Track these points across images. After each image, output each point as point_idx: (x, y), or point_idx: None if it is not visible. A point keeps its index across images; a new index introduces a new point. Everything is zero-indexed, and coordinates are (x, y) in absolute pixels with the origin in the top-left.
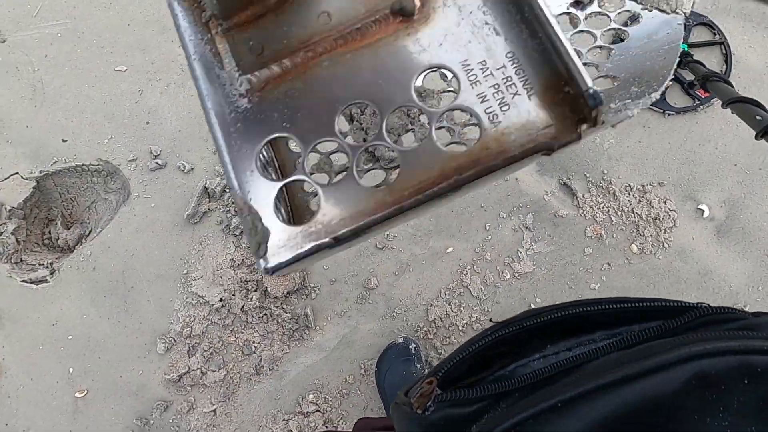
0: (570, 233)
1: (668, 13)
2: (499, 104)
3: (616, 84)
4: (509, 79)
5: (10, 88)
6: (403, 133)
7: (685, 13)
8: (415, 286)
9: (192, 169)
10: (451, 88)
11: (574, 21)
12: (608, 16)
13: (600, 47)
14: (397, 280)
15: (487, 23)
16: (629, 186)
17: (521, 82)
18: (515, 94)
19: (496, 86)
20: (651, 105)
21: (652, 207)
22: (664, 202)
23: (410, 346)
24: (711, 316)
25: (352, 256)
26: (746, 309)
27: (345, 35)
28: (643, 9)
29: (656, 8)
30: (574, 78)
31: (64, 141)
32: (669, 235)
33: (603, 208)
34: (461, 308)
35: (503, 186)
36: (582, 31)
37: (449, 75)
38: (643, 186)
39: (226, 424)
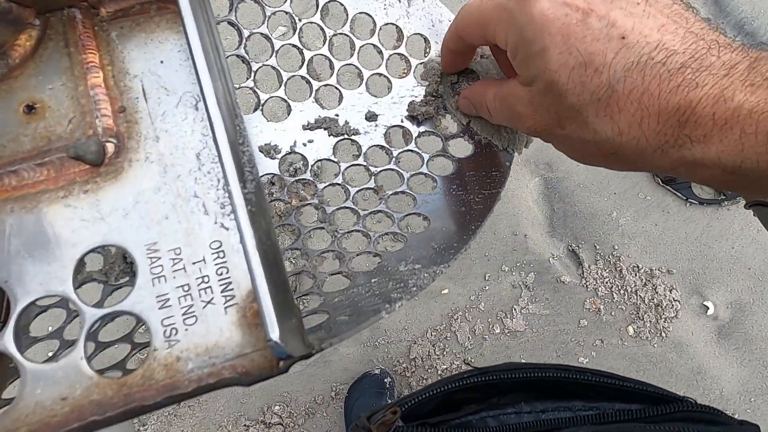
0: (569, 301)
1: (499, 150)
2: (184, 315)
3: (425, 227)
4: (206, 279)
5: None
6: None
7: (517, 152)
8: (403, 320)
9: None
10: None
11: (406, 136)
12: (441, 139)
13: (425, 174)
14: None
15: (196, 195)
16: (637, 267)
17: (221, 286)
18: (208, 302)
19: (186, 288)
20: (673, 189)
21: (657, 293)
22: (670, 291)
23: (385, 380)
24: (695, 413)
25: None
26: (735, 416)
27: None
28: (476, 138)
29: (489, 139)
30: (261, 318)
31: None
32: (669, 324)
33: (607, 283)
34: (444, 352)
35: (511, 239)
36: (411, 150)
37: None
38: (651, 270)
39: (188, 417)
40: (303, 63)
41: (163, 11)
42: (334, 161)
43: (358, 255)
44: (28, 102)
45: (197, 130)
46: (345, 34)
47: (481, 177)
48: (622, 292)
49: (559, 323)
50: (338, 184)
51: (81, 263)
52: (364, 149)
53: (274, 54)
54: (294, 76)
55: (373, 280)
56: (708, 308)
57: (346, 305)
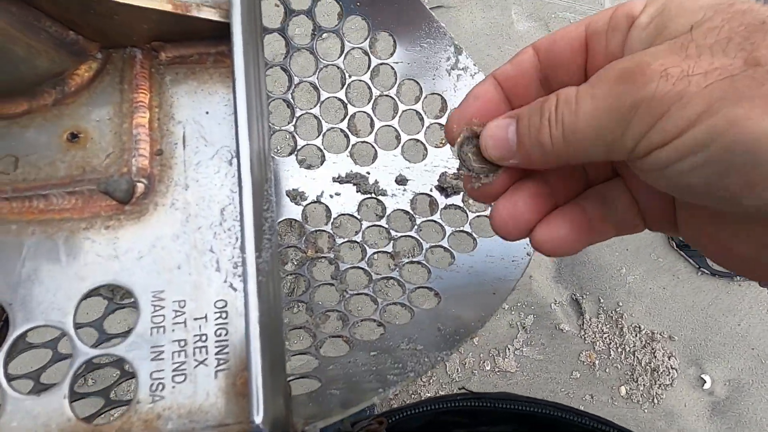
0: (564, 350)
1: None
2: (174, 371)
3: (435, 305)
4: (204, 338)
5: None
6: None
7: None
8: None
9: None
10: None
11: (432, 206)
12: (467, 215)
13: (444, 248)
14: None
15: (212, 251)
16: (639, 327)
17: (217, 348)
18: (201, 362)
19: (183, 344)
20: (687, 256)
21: (655, 357)
22: (668, 357)
23: None
24: None
25: None
26: None
27: (23, 197)
28: None
29: None
30: (249, 395)
31: None
32: (662, 392)
33: (606, 338)
34: (431, 380)
35: None
36: (434, 221)
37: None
38: (652, 332)
39: None
40: (345, 117)
41: (219, 64)
42: (357, 218)
43: (362, 321)
44: (73, 130)
45: (227, 185)
46: (390, 97)
47: (500, 262)
48: (619, 350)
49: (552, 371)
50: (356, 242)
51: (86, 297)
52: (388, 211)
53: (319, 104)
54: (334, 128)
55: (372, 353)
56: (705, 382)
57: (341, 377)
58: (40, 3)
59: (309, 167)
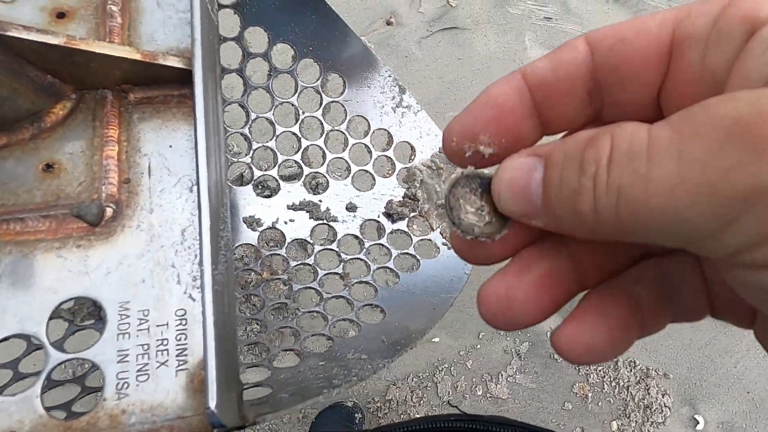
0: (557, 380)
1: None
2: (138, 371)
3: (380, 320)
4: (165, 342)
5: None
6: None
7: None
8: None
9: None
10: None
11: (379, 231)
12: (411, 238)
13: (390, 269)
14: None
15: (173, 266)
16: (634, 363)
17: (177, 350)
18: (163, 363)
19: (146, 347)
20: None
21: (649, 394)
22: (662, 395)
23: (356, 414)
24: None
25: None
26: None
27: (2, 220)
28: (443, 244)
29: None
30: (205, 383)
31: None
32: (654, 429)
33: (600, 372)
34: (422, 401)
35: None
36: (381, 244)
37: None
38: (647, 369)
39: None
40: (299, 150)
41: (182, 105)
42: (309, 242)
43: (313, 335)
44: (49, 161)
45: (187, 209)
46: (341, 131)
47: (440, 281)
48: (613, 384)
49: (543, 400)
50: (309, 264)
51: (57, 308)
52: (339, 236)
53: (275, 137)
54: (288, 159)
55: (320, 363)
56: (698, 422)
57: (291, 383)
58: (25, 53)
59: (265, 196)
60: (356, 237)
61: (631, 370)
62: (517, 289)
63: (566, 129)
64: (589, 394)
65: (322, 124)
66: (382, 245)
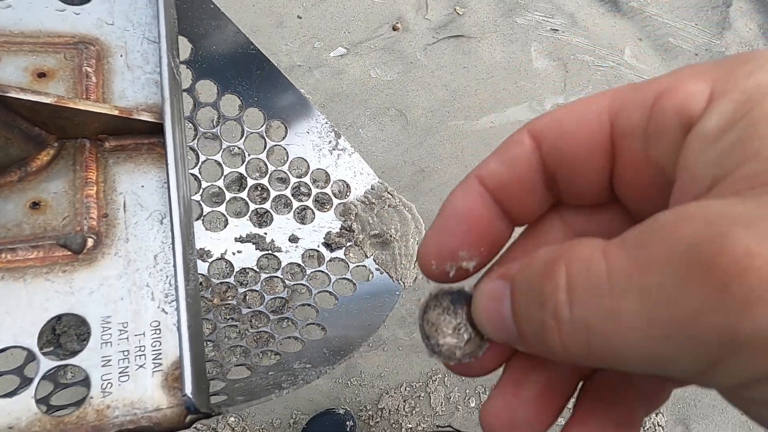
0: None
1: (392, 280)
2: (120, 373)
3: (322, 335)
4: (142, 348)
5: None
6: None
7: (405, 285)
8: (381, 367)
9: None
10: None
11: (320, 259)
12: (348, 265)
13: (329, 293)
14: (368, 351)
15: (148, 286)
16: None
17: (153, 355)
18: (141, 366)
19: (126, 353)
20: None
21: None
22: (656, 414)
23: (348, 422)
24: None
25: None
26: None
27: None
28: (376, 269)
29: (386, 272)
30: (181, 374)
31: None
32: None
33: None
34: (414, 411)
35: None
36: (321, 271)
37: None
38: None
39: None
40: (245, 188)
41: (151, 151)
42: (256, 270)
43: (262, 351)
44: (35, 200)
45: (158, 238)
46: (283, 171)
47: (375, 300)
48: None
49: None
50: (256, 291)
51: (47, 325)
52: (283, 264)
53: (223, 177)
54: (236, 197)
55: (270, 373)
56: None
57: (244, 390)
58: (19, 109)
59: (214, 230)
60: (299, 265)
61: None
62: (518, 409)
63: (534, 218)
64: None
65: (266, 164)
66: (322, 272)
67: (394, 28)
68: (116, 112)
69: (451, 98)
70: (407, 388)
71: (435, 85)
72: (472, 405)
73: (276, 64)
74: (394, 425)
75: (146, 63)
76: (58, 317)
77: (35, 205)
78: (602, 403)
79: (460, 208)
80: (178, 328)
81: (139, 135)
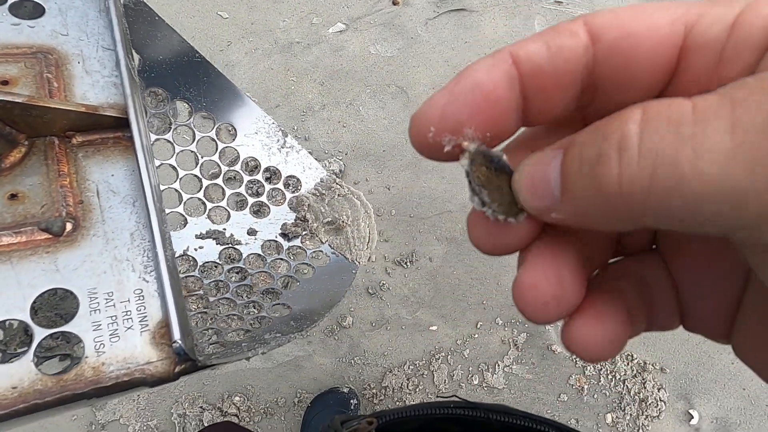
0: (554, 372)
1: (348, 261)
2: (110, 335)
3: (288, 312)
4: (129, 313)
5: None
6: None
7: (360, 264)
8: (384, 346)
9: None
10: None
11: (278, 248)
12: (305, 252)
13: (291, 276)
14: (371, 330)
15: (127, 259)
16: (631, 356)
17: (139, 318)
18: (129, 327)
19: (114, 318)
20: None
21: (645, 387)
22: (658, 389)
23: (351, 400)
24: None
25: None
26: None
27: None
28: (332, 253)
29: (342, 254)
30: (168, 327)
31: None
32: (648, 423)
33: (597, 364)
34: (417, 389)
35: (511, 294)
36: (281, 258)
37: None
38: (645, 363)
39: None
40: (201, 188)
41: (117, 144)
42: (219, 263)
43: (233, 331)
44: (12, 192)
45: (132, 219)
46: (236, 170)
47: (332, 280)
48: (609, 377)
49: (539, 391)
50: (221, 281)
51: (36, 299)
52: (244, 255)
53: (178, 179)
54: (192, 197)
55: (243, 344)
56: (692, 417)
57: (220, 356)
58: None
59: (174, 230)
60: (259, 255)
61: (628, 364)
62: (556, 278)
63: (545, 123)
64: (585, 387)
65: (219, 165)
66: (282, 259)
67: (394, 3)
68: (83, 109)
69: (453, 74)
70: (410, 367)
71: (436, 61)
72: (475, 383)
73: (274, 41)
74: (397, 402)
75: (103, 68)
76: (42, 293)
77: (13, 196)
78: (610, 301)
79: (484, 80)
80: (161, 286)
81: (105, 130)
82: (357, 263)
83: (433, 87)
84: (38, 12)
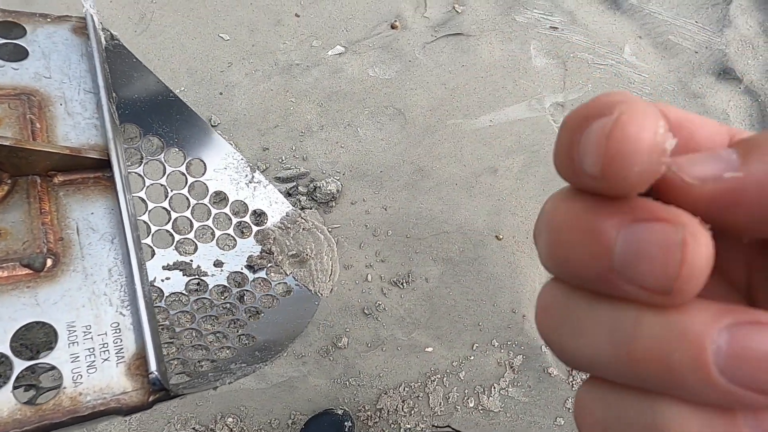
0: (551, 395)
1: (311, 293)
2: (88, 366)
3: (252, 342)
4: (106, 345)
5: (124, 5)
6: None
7: (322, 295)
8: (380, 367)
9: None
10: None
11: (244, 280)
12: (270, 283)
13: (255, 307)
14: (366, 351)
15: (105, 294)
16: None
17: (116, 350)
18: (106, 359)
19: (91, 350)
20: None
21: None
22: None
23: (346, 423)
24: None
25: (336, 308)
26: None
27: None
28: (296, 284)
29: (305, 286)
30: (145, 358)
31: None
32: None
33: None
34: (413, 412)
35: (508, 316)
36: (246, 290)
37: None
38: None
39: None
40: (169, 220)
41: (97, 184)
42: (185, 294)
43: (199, 362)
44: None
45: (111, 255)
46: (205, 204)
47: (296, 311)
48: None
49: (536, 415)
50: (187, 312)
51: (17, 333)
52: (210, 287)
53: (147, 212)
54: (161, 229)
55: (210, 374)
56: None
57: (187, 385)
58: None
59: None
60: (225, 287)
61: None
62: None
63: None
64: None
65: (188, 199)
66: (247, 290)
67: (393, 27)
68: (67, 151)
69: (450, 97)
70: (406, 389)
71: (434, 84)
72: (471, 405)
73: (274, 63)
74: (392, 425)
75: (84, 110)
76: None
77: None
78: None
79: (675, 111)
80: (138, 319)
81: (86, 170)
82: (320, 295)
83: (430, 109)
84: (22, 54)
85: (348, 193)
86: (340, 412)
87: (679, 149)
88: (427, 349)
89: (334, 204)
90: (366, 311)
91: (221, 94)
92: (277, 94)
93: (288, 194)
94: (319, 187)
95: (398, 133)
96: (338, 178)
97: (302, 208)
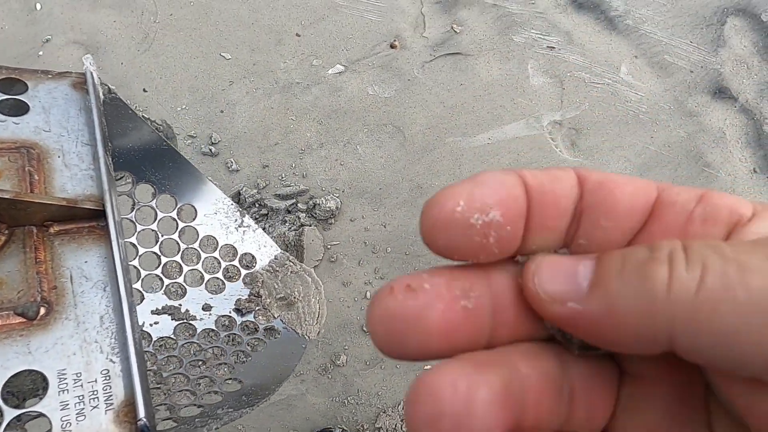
0: None
1: (298, 335)
2: (77, 414)
3: (239, 387)
4: (95, 392)
5: (128, 25)
6: None
7: (309, 338)
8: (379, 386)
9: (237, 170)
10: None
11: (232, 323)
12: (257, 327)
13: (243, 351)
14: (365, 369)
15: (96, 341)
16: None
17: (105, 397)
18: (95, 407)
19: (81, 397)
20: None
21: None
22: None
23: None
24: None
25: (334, 326)
26: None
27: None
28: (283, 327)
29: (293, 329)
30: (134, 404)
31: (144, 91)
32: None
33: None
34: None
35: None
36: (234, 333)
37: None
38: None
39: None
40: (159, 265)
41: (92, 233)
42: (173, 338)
43: (186, 407)
44: None
45: (103, 303)
46: (195, 248)
47: (283, 354)
48: None
49: None
50: (175, 356)
51: (8, 382)
52: (198, 330)
53: (138, 257)
54: (150, 273)
55: (197, 420)
56: None
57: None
58: None
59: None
60: (213, 330)
61: None
62: None
63: (537, 249)
64: None
65: (178, 243)
66: (235, 334)
67: (392, 46)
68: (64, 203)
69: (449, 115)
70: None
71: (432, 102)
72: None
73: (274, 82)
74: None
75: (81, 162)
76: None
77: None
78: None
79: (500, 178)
80: (128, 367)
81: (81, 220)
82: (307, 337)
83: (429, 127)
84: (23, 109)
85: (347, 210)
86: (338, 431)
87: (596, 207)
88: (426, 367)
89: (333, 221)
90: (365, 329)
91: (222, 112)
92: (277, 112)
93: (287, 211)
94: (319, 204)
95: (397, 151)
96: (337, 195)
97: (302, 225)
